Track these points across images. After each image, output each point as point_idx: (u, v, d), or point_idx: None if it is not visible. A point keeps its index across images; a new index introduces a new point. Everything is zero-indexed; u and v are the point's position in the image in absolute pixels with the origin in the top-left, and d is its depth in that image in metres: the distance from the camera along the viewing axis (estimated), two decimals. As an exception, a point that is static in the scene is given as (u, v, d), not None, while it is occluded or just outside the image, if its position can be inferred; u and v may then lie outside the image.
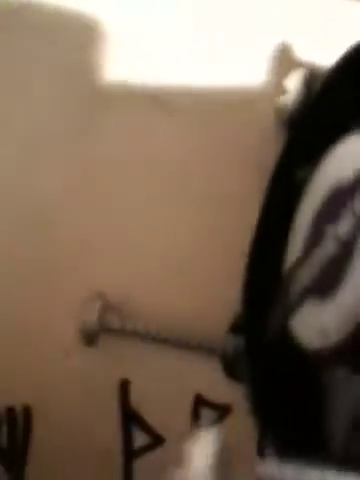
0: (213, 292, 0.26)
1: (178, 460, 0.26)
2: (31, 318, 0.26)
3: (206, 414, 0.26)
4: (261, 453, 0.26)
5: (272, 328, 0.24)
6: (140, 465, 0.26)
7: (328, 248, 0.21)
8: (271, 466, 0.14)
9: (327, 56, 0.26)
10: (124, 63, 0.27)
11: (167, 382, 0.26)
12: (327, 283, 0.21)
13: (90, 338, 0.25)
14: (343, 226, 0.21)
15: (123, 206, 0.27)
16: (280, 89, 0.28)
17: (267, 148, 0.26)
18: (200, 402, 0.26)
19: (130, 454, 0.26)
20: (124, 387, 0.26)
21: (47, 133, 0.27)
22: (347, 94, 0.24)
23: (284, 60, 0.28)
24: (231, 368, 0.28)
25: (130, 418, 0.26)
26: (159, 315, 0.26)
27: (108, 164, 0.27)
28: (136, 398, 0.26)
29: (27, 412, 0.25)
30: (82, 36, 0.27)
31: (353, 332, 0.19)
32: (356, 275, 0.19)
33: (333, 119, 0.25)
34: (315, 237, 0.23)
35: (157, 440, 0.26)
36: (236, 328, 0.27)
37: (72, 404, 0.26)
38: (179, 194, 0.27)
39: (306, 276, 0.23)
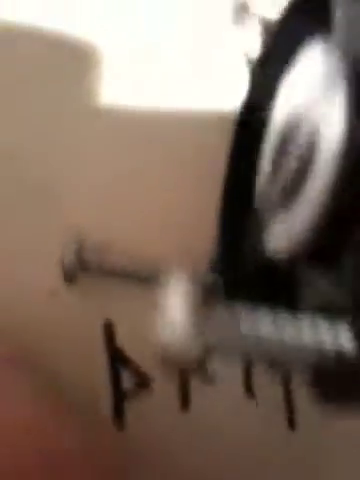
0: (193, 230, 0.27)
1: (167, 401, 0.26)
2: (13, 261, 0.26)
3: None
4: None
5: (249, 256, 0.25)
6: (130, 406, 0.26)
7: (290, 165, 0.22)
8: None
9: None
10: (120, 86, 0.28)
11: (151, 320, 0.26)
12: (291, 196, 0.22)
13: (68, 275, 0.25)
14: (301, 141, 0.22)
15: (100, 146, 0.27)
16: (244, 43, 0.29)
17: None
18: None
19: (120, 396, 0.26)
20: (109, 328, 0.26)
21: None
22: (302, 25, 0.26)
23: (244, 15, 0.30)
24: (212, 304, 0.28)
25: (117, 359, 0.26)
26: (138, 254, 0.26)
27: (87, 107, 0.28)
28: (122, 339, 0.26)
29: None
30: (78, 60, 0.28)
31: (315, 232, 0.20)
32: (315, 181, 0.20)
33: (290, 51, 0.26)
34: (279, 161, 0.24)
35: (145, 380, 0.26)
36: (215, 267, 0.27)
37: (58, 348, 0.26)
38: (157, 138, 0.28)
39: (273, 197, 0.23)
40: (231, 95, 0.28)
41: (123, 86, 0.28)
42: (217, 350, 0.15)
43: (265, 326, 0.15)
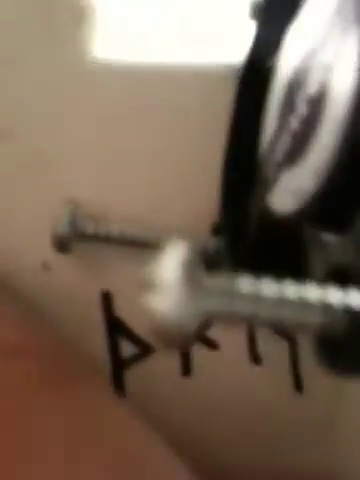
0: (194, 195, 0.26)
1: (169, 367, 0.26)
2: (6, 235, 0.25)
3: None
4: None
5: (253, 218, 0.24)
6: (130, 374, 0.26)
7: (299, 112, 0.21)
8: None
9: None
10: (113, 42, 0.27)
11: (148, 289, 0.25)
12: (299, 147, 0.20)
13: (63, 244, 0.24)
14: (311, 85, 0.20)
15: (93, 110, 0.26)
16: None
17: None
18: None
19: (119, 365, 0.25)
20: (106, 297, 0.25)
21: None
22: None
23: None
24: (213, 268, 0.27)
25: (115, 329, 0.26)
26: (133, 220, 0.25)
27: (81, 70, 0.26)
28: (120, 307, 0.26)
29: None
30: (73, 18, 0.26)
31: (324, 187, 0.19)
32: (326, 130, 0.19)
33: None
34: (286, 112, 0.22)
35: (146, 348, 0.26)
36: (217, 231, 0.26)
37: (55, 319, 0.25)
38: (153, 104, 0.27)
39: (279, 151, 0.22)
40: (234, 49, 0.27)
41: (121, 44, 0.27)
42: (217, 318, 0.14)
43: (268, 287, 0.14)
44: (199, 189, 0.26)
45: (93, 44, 0.27)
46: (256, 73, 0.25)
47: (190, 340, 0.14)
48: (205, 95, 0.27)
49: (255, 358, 0.26)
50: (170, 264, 0.14)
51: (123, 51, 0.27)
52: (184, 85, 0.27)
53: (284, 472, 0.25)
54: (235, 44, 0.26)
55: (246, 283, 0.14)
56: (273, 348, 0.26)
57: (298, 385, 0.26)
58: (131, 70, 0.27)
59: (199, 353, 0.26)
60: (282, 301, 0.14)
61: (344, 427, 0.27)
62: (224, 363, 0.26)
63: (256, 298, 0.14)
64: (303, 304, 0.14)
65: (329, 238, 0.19)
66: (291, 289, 0.14)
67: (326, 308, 0.14)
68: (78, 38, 0.27)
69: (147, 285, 0.14)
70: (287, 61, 0.23)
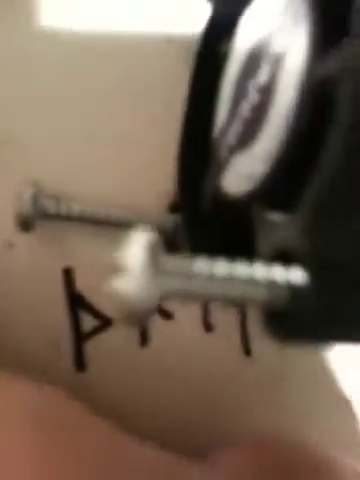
0: (150, 174, 0.27)
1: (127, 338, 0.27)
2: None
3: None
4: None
5: (207, 195, 0.25)
6: (90, 347, 0.27)
7: (250, 99, 0.22)
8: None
9: None
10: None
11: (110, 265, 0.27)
12: (250, 133, 0.22)
13: (26, 224, 0.25)
14: (262, 74, 0.22)
15: (53, 88, 0.27)
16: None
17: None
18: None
19: (79, 338, 0.27)
20: (68, 273, 0.27)
21: None
22: None
23: None
24: (171, 245, 0.29)
25: (76, 304, 0.27)
26: (96, 199, 0.26)
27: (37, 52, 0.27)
28: (81, 282, 0.27)
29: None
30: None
31: (272, 172, 0.20)
32: (276, 115, 0.20)
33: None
34: (238, 97, 0.24)
35: (105, 322, 0.27)
36: (174, 208, 0.28)
37: (17, 296, 0.26)
38: (113, 83, 0.27)
39: (231, 135, 0.24)
40: (190, 21, 0.27)
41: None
42: (173, 297, 0.16)
43: (220, 267, 0.16)
44: (158, 168, 0.27)
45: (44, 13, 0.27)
46: (210, 56, 0.26)
47: (149, 317, 0.15)
48: (166, 69, 0.28)
49: (207, 326, 0.28)
50: (134, 250, 0.15)
51: (77, 21, 0.27)
52: (145, 59, 0.28)
53: (235, 430, 0.27)
54: (196, 14, 0.27)
55: (200, 264, 0.16)
56: (224, 316, 0.28)
57: (247, 349, 0.29)
58: (87, 42, 0.27)
59: (155, 323, 0.28)
60: (232, 280, 0.16)
61: (289, 387, 0.29)
62: (179, 331, 0.28)
63: (209, 278, 0.15)
64: (250, 282, 0.16)
65: (275, 218, 0.21)
66: (240, 268, 0.16)
67: (270, 285, 0.16)
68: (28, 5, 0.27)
69: (112, 269, 0.15)
70: (241, 46, 0.24)
